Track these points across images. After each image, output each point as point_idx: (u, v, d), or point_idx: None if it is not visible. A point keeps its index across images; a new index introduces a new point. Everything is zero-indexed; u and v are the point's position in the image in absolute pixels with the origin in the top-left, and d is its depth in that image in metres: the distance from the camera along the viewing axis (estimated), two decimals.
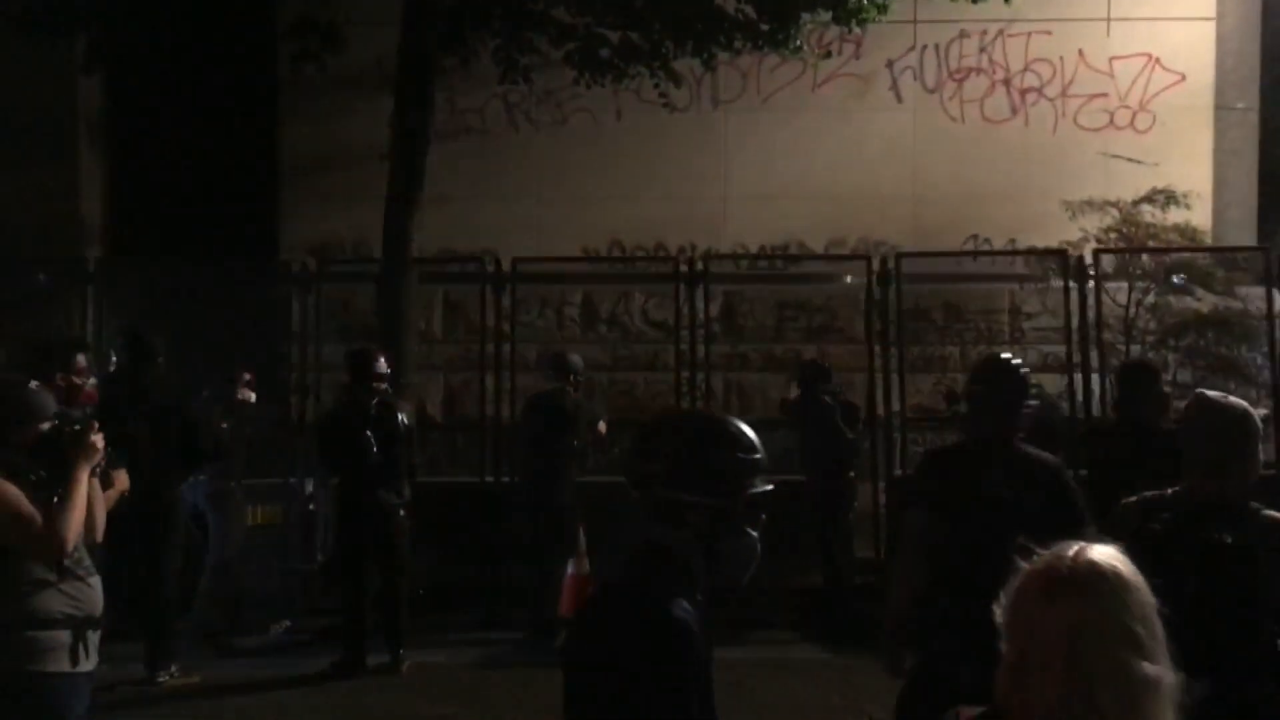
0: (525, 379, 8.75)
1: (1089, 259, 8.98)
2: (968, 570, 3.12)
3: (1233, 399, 3.04)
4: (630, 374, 11.33)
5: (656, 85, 9.58)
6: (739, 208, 11.77)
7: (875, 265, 9.00)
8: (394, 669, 6.89)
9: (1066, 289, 8.68)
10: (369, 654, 6.91)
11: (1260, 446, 2.93)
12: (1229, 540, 2.74)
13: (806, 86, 11.78)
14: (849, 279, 10.40)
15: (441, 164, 9.68)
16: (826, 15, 9.16)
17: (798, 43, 9.40)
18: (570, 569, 7.62)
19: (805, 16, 9.21)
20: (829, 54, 11.02)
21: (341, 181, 11.11)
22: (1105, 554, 1.64)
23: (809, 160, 11.66)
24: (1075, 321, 8.62)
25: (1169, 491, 2.97)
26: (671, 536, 2.04)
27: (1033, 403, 3.88)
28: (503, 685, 6.64)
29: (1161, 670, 1.56)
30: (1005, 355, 4.09)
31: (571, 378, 7.79)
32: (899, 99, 11.97)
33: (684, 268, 9.32)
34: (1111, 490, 3.51)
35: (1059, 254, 9.19)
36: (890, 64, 11.94)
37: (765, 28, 9.13)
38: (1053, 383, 9.09)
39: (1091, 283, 8.74)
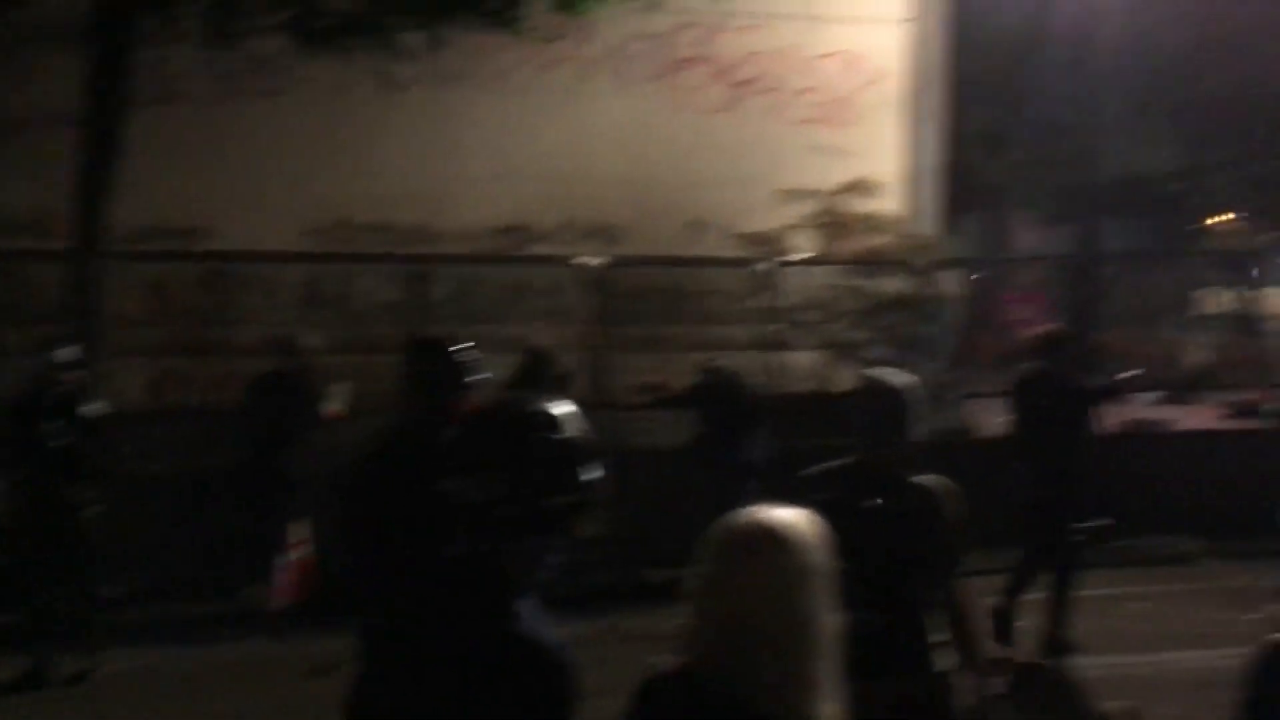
0: (244, 363, 8.38)
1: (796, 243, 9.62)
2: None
3: (895, 377, 3.36)
4: (358, 357, 11.08)
5: (379, 60, 9.37)
6: (469, 187, 11.71)
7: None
8: (84, 677, 6.46)
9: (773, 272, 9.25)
10: (59, 661, 6.44)
11: (916, 418, 3.26)
12: (884, 506, 3.07)
13: (535, 68, 11.86)
14: (583, 261, 10.59)
15: (146, 133, 9.06)
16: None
17: (526, 24, 9.43)
18: (291, 555, 7.41)
19: None
20: (558, 38, 11.14)
21: (29, 149, 10.18)
22: (778, 516, 1.87)
23: (538, 142, 11.75)
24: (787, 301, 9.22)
25: (845, 461, 3.27)
26: None
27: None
28: (213, 685, 6.39)
29: (831, 615, 1.82)
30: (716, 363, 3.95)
31: (300, 359, 7.61)
32: (622, 86, 12.27)
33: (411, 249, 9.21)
34: None
35: (774, 235, 9.79)
36: (614, 50, 12.22)
37: (493, 7, 9.12)
38: (765, 360, 9.68)
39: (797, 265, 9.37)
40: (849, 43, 12.70)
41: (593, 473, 2.78)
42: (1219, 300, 16.96)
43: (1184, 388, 11.15)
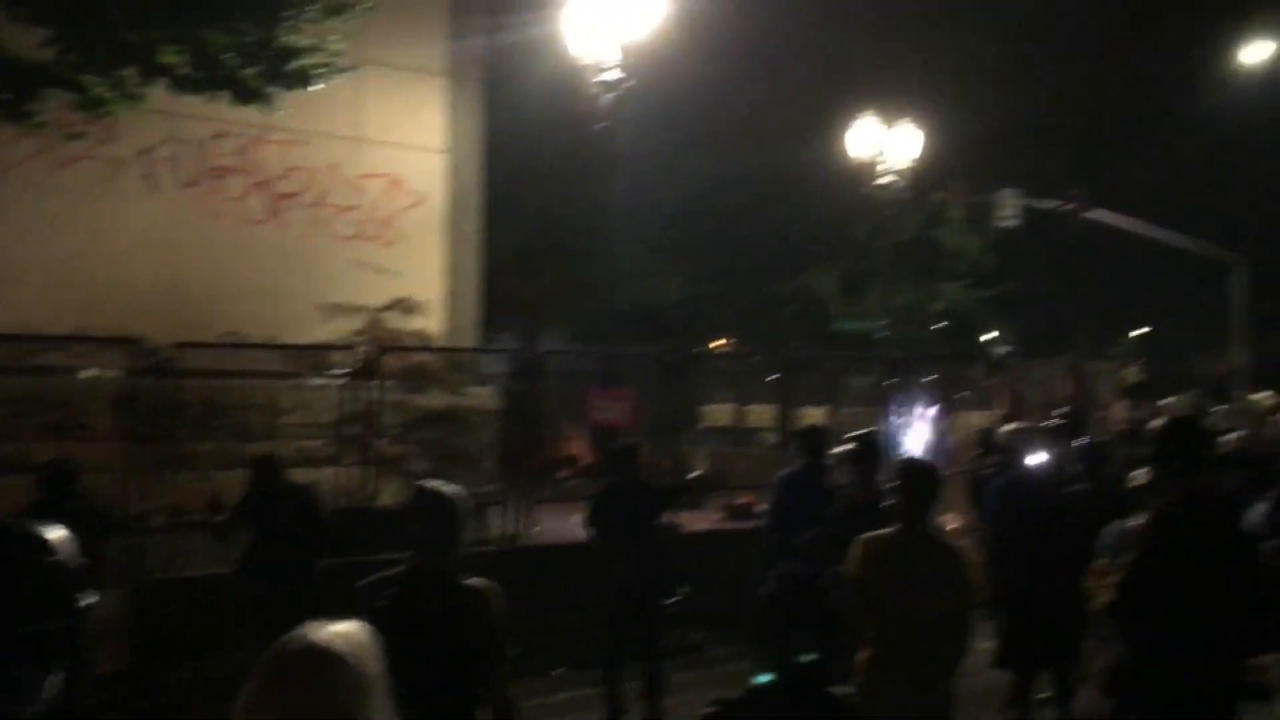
0: None
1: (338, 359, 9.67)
2: None
3: (446, 488, 3.64)
4: None
5: None
6: None
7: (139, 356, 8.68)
8: None
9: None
10: None
11: (464, 526, 3.55)
12: (438, 608, 3.31)
13: (51, 165, 11.02)
14: (106, 372, 9.84)
15: None
16: (70, 96, 8.75)
17: (41, 118, 8.82)
18: None
19: (49, 92, 8.70)
20: (79, 134, 10.47)
21: None
22: (334, 634, 1.90)
23: (53, 243, 10.87)
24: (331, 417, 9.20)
25: (393, 571, 3.46)
26: None
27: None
28: None
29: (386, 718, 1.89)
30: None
31: None
32: (153, 189, 11.75)
33: None
34: None
35: (320, 349, 9.75)
36: (144, 152, 11.70)
37: (3, 98, 8.45)
38: (312, 476, 9.52)
39: (343, 380, 9.42)
40: (391, 166, 13.18)
41: (88, 598, 2.70)
42: (719, 414, 19.16)
43: (708, 489, 12.27)
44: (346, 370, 9.61)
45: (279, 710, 1.81)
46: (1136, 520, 4.41)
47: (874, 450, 6.43)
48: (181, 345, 9.07)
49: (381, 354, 10.11)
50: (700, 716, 2.84)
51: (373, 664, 1.92)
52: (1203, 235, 22.39)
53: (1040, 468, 6.45)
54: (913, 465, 4.96)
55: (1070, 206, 21.22)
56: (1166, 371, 22.91)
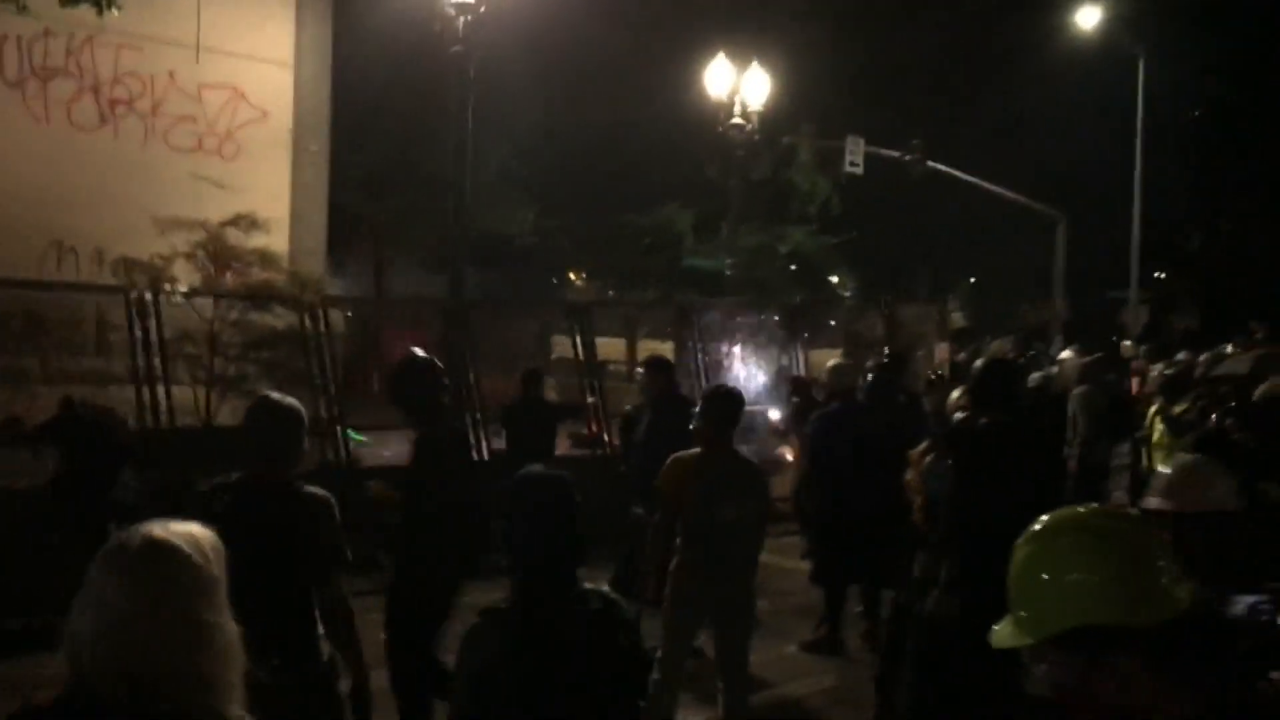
0: None
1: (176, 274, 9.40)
2: None
3: (288, 399, 3.70)
4: None
5: None
6: None
7: None
8: None
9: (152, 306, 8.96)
10: None
11: (302, 437, 3.63)
12: (277, 512, 3.41)
13: None
14: None
15: None
16: None
17: None
18: None
19: None
20: None
21: None
22: (173, 530, 1.94)
23: None
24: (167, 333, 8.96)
25: (233, 477, 3.52)
26: None
27: None
28: None
29: (225, 619, 1.94)
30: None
31: None
32: None
33: None
34: None
35: (153, 262, 9.44)
36: None
37: None
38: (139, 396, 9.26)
39: (180, 296, 9.16)
40: (234, 78, 12.69)
41: None
42: (567, 346, 19.34)
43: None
44: (185, 287, 9.34)
45: (120, 605, 1.84)
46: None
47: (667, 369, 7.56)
48: None
49: (219, 271, 9.86)
50: None
51: (214, 563, 1.96)
52: (1034, 191, 23.62)
53: (854, 402, 6.92)
54: (714, 390, 5.35)
55: (911, 157, 22.02)
56: (991, 318, 24.27)
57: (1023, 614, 1.74)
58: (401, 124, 19.01)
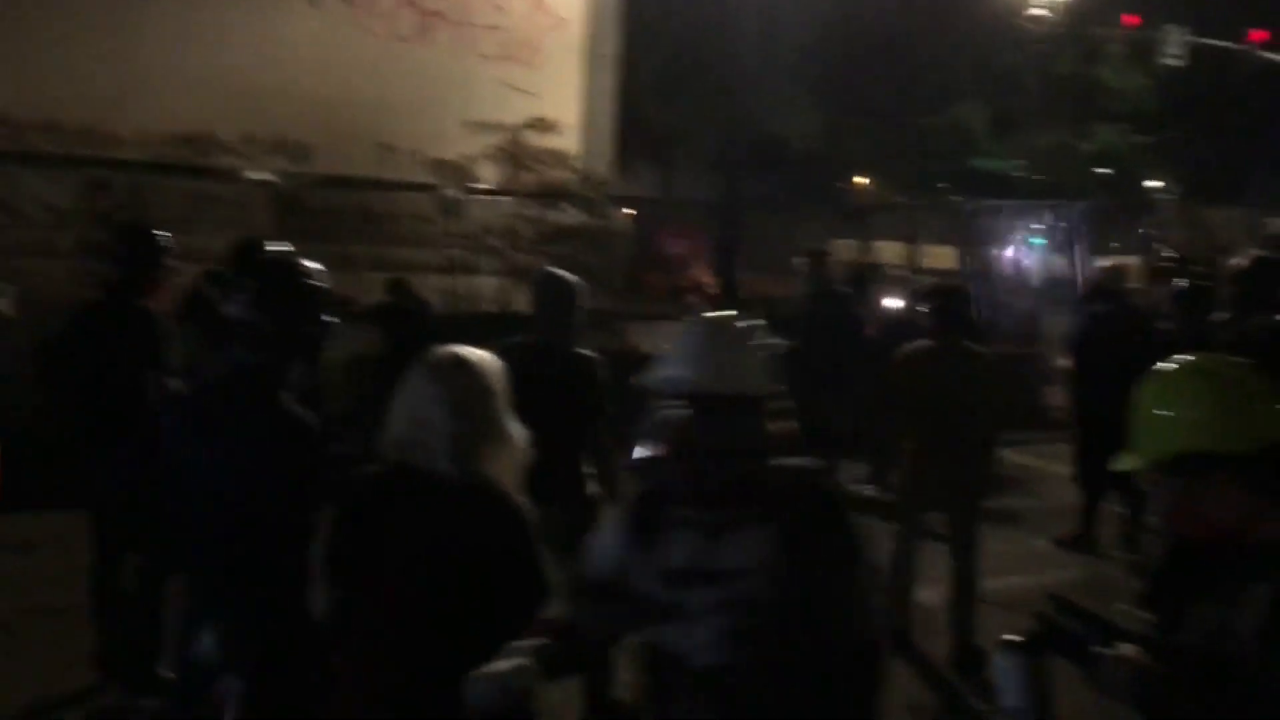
0: None
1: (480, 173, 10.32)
2: None
3: (567, 275, 4.23)
4: (26, 260, 10.63)
5: None
6: (145, 92, 11.39)
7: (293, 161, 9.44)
8: None
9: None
10: None
11: (581, 307, 4.15)
12: (554, 369, 3.96)
13: None
14: (263, 175, 10.71)
15: None
16: None
17: None
18: None
19: None
20: None
21: None
22: (471, 351, 2.58)
23: (225, 53, 11.60)
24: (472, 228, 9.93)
25: (520, 338, 4.10)
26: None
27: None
28: None
29: (511, 420, 2.56)
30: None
31: None
32: (313, 2, 12.34)
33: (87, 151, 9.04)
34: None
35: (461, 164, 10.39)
36: None
37: None
38: (452, 284, 10.32)
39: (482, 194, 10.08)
40: None
41: None
42: (849, 251, 19.32)
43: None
44: (487, 186, 10.23)
45: (429, 404, 2.45)
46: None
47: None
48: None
49: (517, 170, 10.66)
50: None
51: (499, 379, 2.55)
52: None
53: (1125, 305, 6.74)
54: (940, 287, 5.50)
55: (1244, 47, 19.99)
56: None
57: (1138, 444, 1.98)
58: (692, 27, 19.35)
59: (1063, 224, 12.75)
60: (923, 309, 5.55)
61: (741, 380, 2.17)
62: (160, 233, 4.42)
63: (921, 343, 5.27)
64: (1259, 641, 1.73)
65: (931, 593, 5.43)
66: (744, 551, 2.09)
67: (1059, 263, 12.22)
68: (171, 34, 11.44)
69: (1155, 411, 1.97)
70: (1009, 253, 12.10)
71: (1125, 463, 2.02)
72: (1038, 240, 12.64)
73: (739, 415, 2.14)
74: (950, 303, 5.29)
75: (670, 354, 2.24)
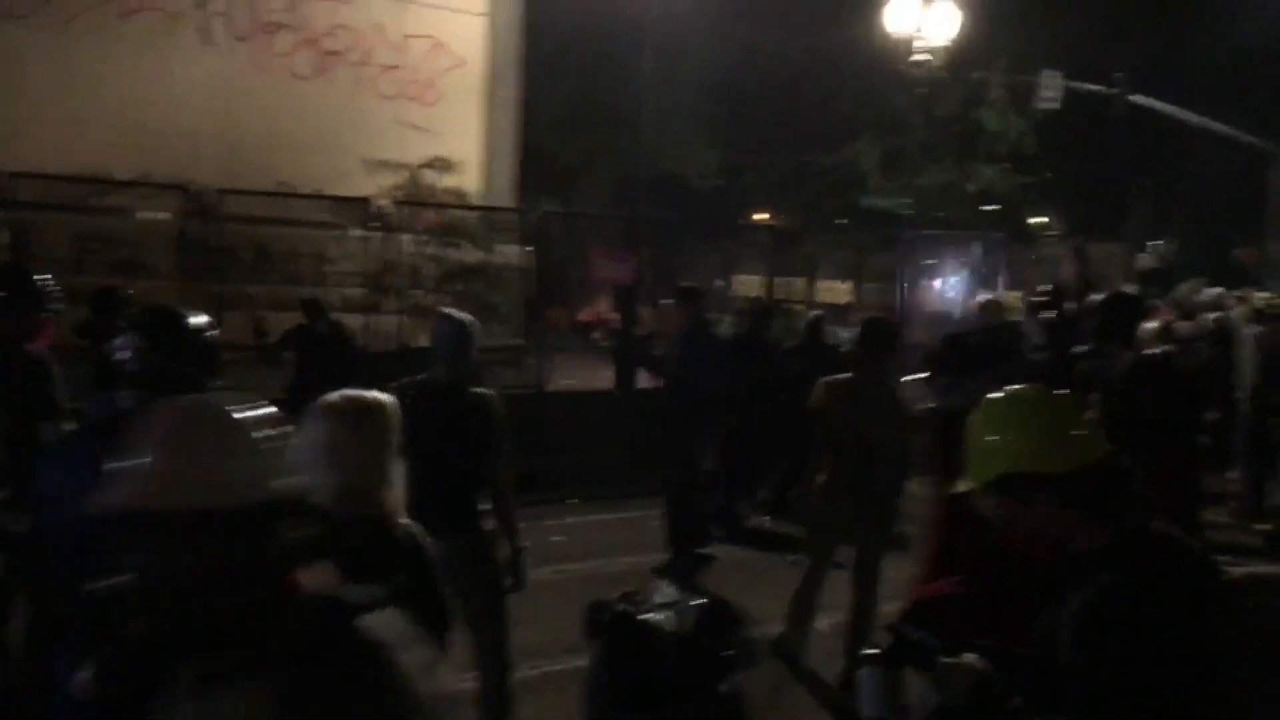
0: None
1: (388, 209, 10.38)
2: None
3: (462, 314, 4.37)
4: None
5: None
6: (35, 130, 11.23)
7: (190, 201, 9.42)
8: None
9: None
10: None
11: (474, 347, 4.29)
12: (451, 408, 4.08)
13: (113, 14, 11.60)
14: (159, 215, 10.62)
15: None
16: None
17: None
18: None
19: None
20: None
21: None
22: (371, 396, 2.74)
23: (116, 90, 11.52)
24: (373, 267, 9.96)
25: (419, 377, 4.21)
26: None
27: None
28: None
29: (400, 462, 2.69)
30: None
31: None
32: (208, 42, 12.31)
33: None
34: None
35: (362, 201, 10.46)
36: (199, 5, 12.22)
37: None
38: (352, 321, 10.32)
39: (382, 233, 10.15)
40: (434, 28, 13.59)
41: None
42: (751, 284, 19.74)
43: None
44: (389, 224, 10.30)
45: (335, 438, 2.59)
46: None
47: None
48: (224, 192, 9.74)
49: (418, 209, 10.74)
50: None
51: (394, 423, 2.71)
52: (1246, 124, 22.20)
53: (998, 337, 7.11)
54: (870, 321, 5.68)
55: (1114, 91, 21.07)
56: (1201, 259, 23.01)
57: (971, 467, 2.21)
58: (590, 64, 19.68)
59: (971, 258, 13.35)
60: (837, 343, 5.69)
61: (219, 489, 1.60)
62: (40, 276, 4.40)
63: (843, 375, 5.35)
64: (1071, 645, 1.96)
65: (825, 620, 5.61)
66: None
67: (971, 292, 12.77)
68: (60, 73, 11.30)
69: (985, 438, 2.20)
70: (937, 284, 12.63)
71: (961, 486, 2.23)
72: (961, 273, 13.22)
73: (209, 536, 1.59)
74: (876, 336, 5.36)
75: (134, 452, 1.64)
